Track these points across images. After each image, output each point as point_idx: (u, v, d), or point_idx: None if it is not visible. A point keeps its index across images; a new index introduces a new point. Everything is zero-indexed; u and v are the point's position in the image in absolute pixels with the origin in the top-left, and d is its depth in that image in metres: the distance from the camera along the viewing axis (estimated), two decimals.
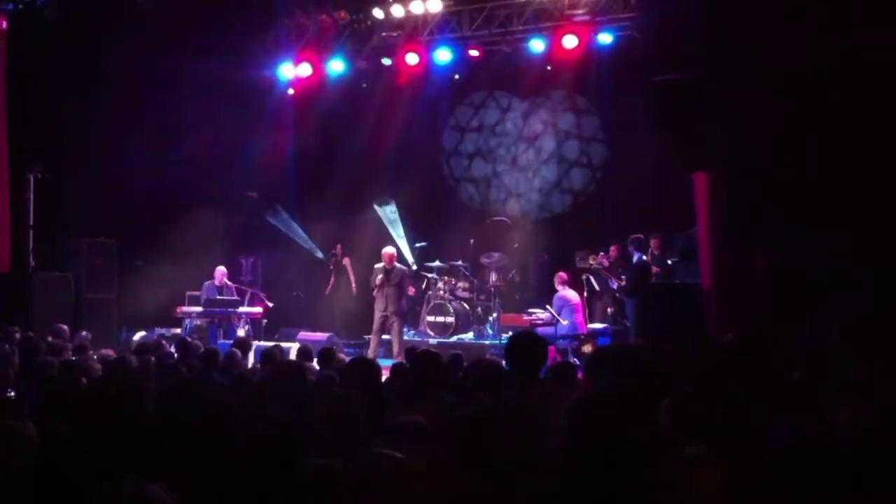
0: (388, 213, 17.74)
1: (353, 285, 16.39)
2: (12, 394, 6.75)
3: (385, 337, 14.67)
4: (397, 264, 14.64)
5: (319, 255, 17.70)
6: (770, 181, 11.01)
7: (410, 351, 9.12)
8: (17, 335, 11.14)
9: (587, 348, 13.64)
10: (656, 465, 2.93)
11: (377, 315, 14.42)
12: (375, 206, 17.67)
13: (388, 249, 14.69)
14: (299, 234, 17.90)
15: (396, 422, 3.29)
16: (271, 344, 12.42)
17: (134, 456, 3.89)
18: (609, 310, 15.20)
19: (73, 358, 9.66)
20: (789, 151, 10.83)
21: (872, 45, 10.16)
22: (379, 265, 14.44)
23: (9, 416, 4.85)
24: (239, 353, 9.64)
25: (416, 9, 15.71)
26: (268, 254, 17.62)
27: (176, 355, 9.67)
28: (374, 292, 14.47)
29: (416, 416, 3.42)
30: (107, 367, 8.56)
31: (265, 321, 16.01)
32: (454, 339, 15.34)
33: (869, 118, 10.31)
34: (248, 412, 4.53)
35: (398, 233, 17.80)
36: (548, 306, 14.23)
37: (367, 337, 16.17)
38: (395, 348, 14.01)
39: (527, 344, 5.26)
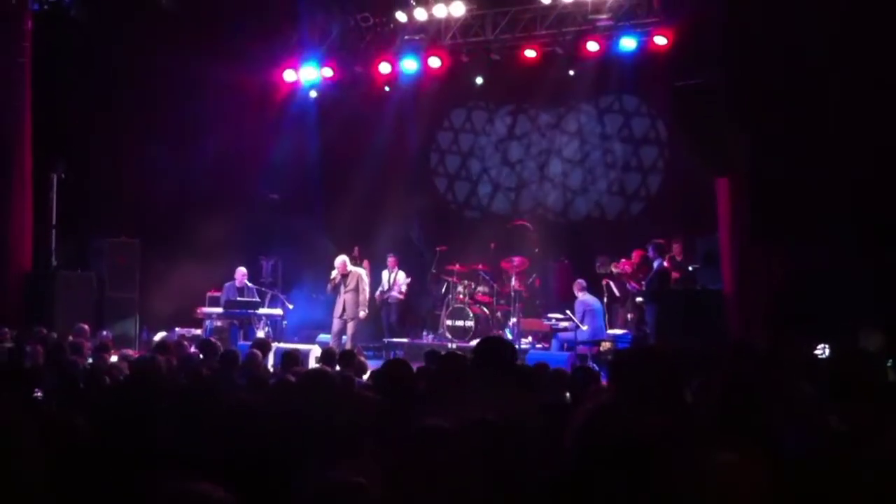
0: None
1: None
2: (39, 394, 6.78)
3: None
4: (352, 268, 14.65)
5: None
6: (793, 186, 10.97)
7: (431, 354, 9.16)
8: (43, 335, 11.21)
9: (608, 355, 13.60)
10: (676, 468, 2.92)
11: (335, 319, 14.54)
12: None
13: (340, 257, 14.69)
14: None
15: (423, 426, 3.30)
16: (291, 346, 12.46)
17: (154, 454, 3.91)
18: (629, 315, 15.15)
19: (92, 358, 9.72)
20: (812, 156, 10.79)
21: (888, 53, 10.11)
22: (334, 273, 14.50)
23: (36, 414, 4.88)
24: (259, 354, 9.65)
25: (439, 12, 15.72)
26: (288, 256, 17.66)
27: (200, 356, 9.68)
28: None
29: (441, 420, 3.42)
30: (130, 367, 8.61)
31: (285, 323, 16.05)
32: (473, 343, 15.27)
33: (892, 122, 10.25)
34: (264, 414, 4.53)
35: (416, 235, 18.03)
36: (569, 311, 14.21)
37: (386, 340, 16.27)
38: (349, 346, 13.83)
39: (494, 347, 5.39)
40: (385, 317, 16.79)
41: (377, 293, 16.56)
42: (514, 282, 15.71)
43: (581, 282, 14.55)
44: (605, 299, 14.95)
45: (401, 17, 16.10)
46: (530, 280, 16.18)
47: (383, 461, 3.31)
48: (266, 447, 3.90)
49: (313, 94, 17.52)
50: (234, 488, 3.44)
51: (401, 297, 16.74)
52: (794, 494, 2.96)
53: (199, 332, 15.17)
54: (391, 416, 4.54)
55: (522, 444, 3.60)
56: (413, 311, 17.51)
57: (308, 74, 17.09)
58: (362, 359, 9.88)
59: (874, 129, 10.69)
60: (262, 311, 15.49)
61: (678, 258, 14.24)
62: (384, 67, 16.64)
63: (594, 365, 12.44)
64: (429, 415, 3.70)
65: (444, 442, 3.26)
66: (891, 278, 10.34)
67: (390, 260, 16.89)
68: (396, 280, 16.75)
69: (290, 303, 16.17)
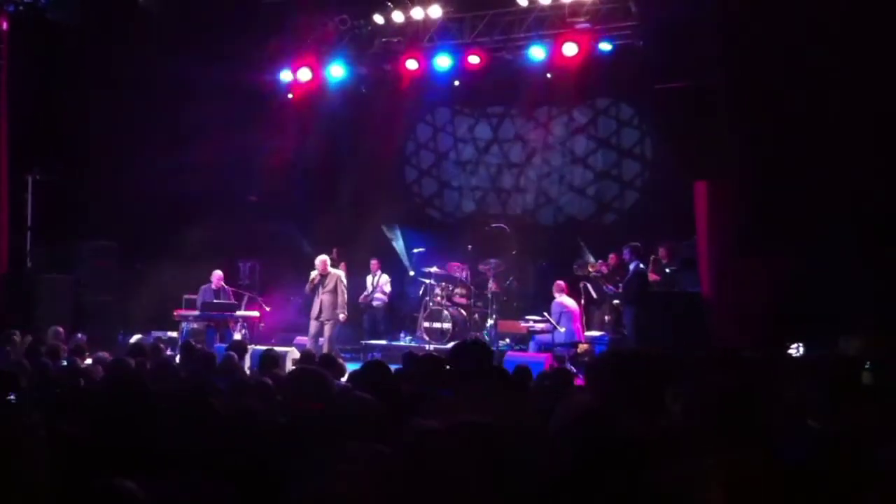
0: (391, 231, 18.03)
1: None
2: (12, 397, 6.70)
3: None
4: (332, 270, 14.61)
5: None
6: (780, 188, 11.01)
7: (409, 356, 9.13)
8: (17, 338, 11.10)
9: (585, 357, 13.63)
10: (663, 469, 2.92)
11: (312, 321, 14.40)
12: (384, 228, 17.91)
13: (322, 257, 14.64)
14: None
15: (419, 427, 3.30)
16: (268, 348, 12.40)
17: (141, 457, 3.88)
18: (606, 317, 15.20)
19: (67, 361, 9.65)
20: (797, 159, 10.85)
21: (885, 54, 10.17)
22: (314, 273, 14.42)
23: (15, 418, 4.83)
24: (236, 356, 9.60)
25: (417, 15, 15.71)
26: (266, 258, 17.60)
27: (178, 359, 9.65)
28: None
29: (430, 421, 3.42)
30: (106, 370, 8.56)
31: (262, 325, 15.98)
32: (451, 345, 15.19)
33: (881, 125, 10.31)
34: (249, 416, 4.51)
35: (398, 244, 17.94)
36: (546, 313, 14.22)
37: (363, 342, 16.23)
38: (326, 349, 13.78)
39: (469, 349, 5.49)
40: (369, 320, 16.75)
41: (361, 296, 16.54)
42: (491, 284, 15.72)
43: (560, 283, 14.56)
44: (583, 301, 14.97)
45: (378, 19, 16.08)
46: (508, 282, 16.19)
47: (380, 463, 3.30)
48: (258, 450, 3.89)
49: (291, 95, 17.47)
50: (228, 489, 3.44)
51: (384, 298, 16.72)
52: (788, 496, 2.97)
53: (175, 334, 15.11)
54: (383, 418, 4.53)
55: (517, 445, 3.60)
56: (392, 314, 17.49)
57: (286, 77, 17.04)
58: (340, 361, 9.86)
59: (867, 130, 10.77)
60: (238, 313, 15.44)
61: (664, 261, 14.28)
62: (362, 70, 16.62)
63: (572, 367, 12.48)
64: (417, 416, 3.70)
65: (441, 444, 3.26)
66: (879, 281, 10.40)
67: (373, 263, 16.87)
68: (379, 283, 16.73)
69: (267, 305, 16.12)
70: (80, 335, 13.53)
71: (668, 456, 2.87)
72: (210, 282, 15.26)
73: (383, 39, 16.36)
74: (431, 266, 16.31)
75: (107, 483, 2.69)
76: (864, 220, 10.61)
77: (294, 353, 12.58)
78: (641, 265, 13.60)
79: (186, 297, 15.73)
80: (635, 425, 3.05)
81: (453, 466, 3.04)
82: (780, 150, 11.05)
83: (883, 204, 10.46)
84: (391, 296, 17.02)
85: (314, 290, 14.36)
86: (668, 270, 13.98)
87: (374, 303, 16.71)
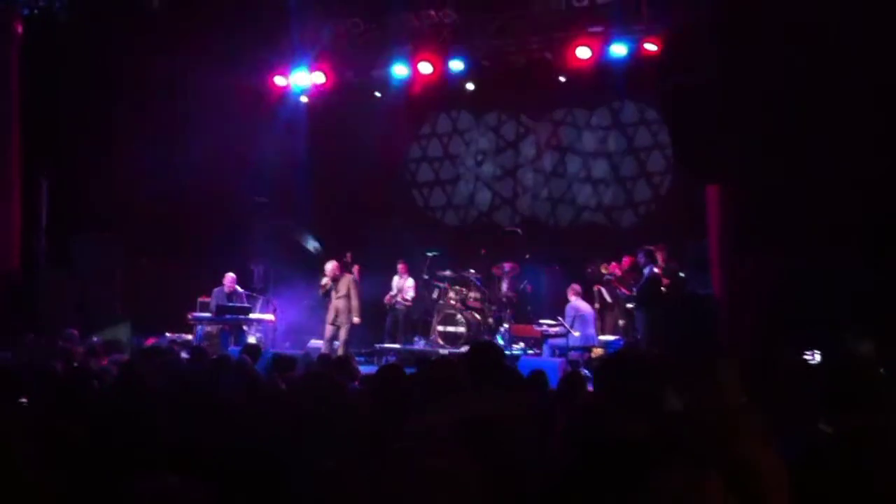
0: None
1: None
2: (24, 401, 6.71)
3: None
4: (344, 274, 14.62)
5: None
6: (783, 192, 11.00)
7: (424, 360, 9.14)
8: (31, 340, 11.16)
9: (598, 361, 13.60)
10: (663, 469, 2.92)
11: (328, 325, 14.54)
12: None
13: (331, 263, 14.64)
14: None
15: (416, 425, 3.30)
16: (282, 352, 12.43)
17: (148, 459, 3.89)
18: (620, 322, 15.15)
19: (81, 363, 9.68)
20: (803, 162, 10.83)
21: (886, 54, 10.16)
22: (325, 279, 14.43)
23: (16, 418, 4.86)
24: (249, 359, 9.62)
25: (430, 18, 15.72)
26: (279, 260, 17.62)
27: (190, 361, 9.66)
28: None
29: (436, 420, 3.43)
30: (119, 371, 8.58)
31: (276, 328, 16.02)
32: (465, 349, 15.21)
33: (881, 125, 10.29)
34: (260, 417, 4.53)
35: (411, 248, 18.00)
36: (560, 317, 14.20)
37: (377, 346, 16.23)
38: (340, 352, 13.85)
39: (483, 350, 5.53)
40: (391, 321, 16.76)
41: (387, 297, 16.56)
42: (505, 287, 15.69)
43: (576, 286, 14.53)
44: (597, 305, 14.94)
45: (391, 22, 16.10)
46: (521, 286, 16.16)
47: (378, 462, 3.30)
48: (260, 451, 3.90)
49: (304, 99, 17.51)
50: (228, 489, 3.45)
51: (407, 303, 16.70)
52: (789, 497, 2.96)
53: (190, 337, 15.14)
54: (387, 420, 4.54)
55: (517, 445, 3.60)
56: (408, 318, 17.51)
57: (299, 79, 17.07)
58: (354, 364, 9.87)
59: (868, 131, 10.74)
60: (252, 316, 15.47)
61: (662, 264, 14.24)
62: (375, 73, 16.62)
63: (586, 371, 12.43)
64: (420, 416, 3.70)
65: (440, 443, 3.25)
66: (882, 285, 10.37)
67: (401, 266, 16.82)
68: (404, 286, 16.70)
69: (282, 308, 16.15)
70: (95, 338, 13.58)
71: (668, 456, 2.86)
72: (222, 285, 15.31)
73: (396, 43, 16.37)
74: (445, 270, 16.32)
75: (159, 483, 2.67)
76: (863, 219, 10.58)
77: (309, 356, 12.61)
78: (655, 269, 13.57)
79: (200, 300, 15.79)
80: (635, 425, 3.04)
81: (453, 466, 3.04)
82: (780, 150, 11.04)
83: (883, 204, 10.44)
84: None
85: (327, 294, 14.43)
86: (681, 274, 13.93)
87: (397, 305, 16.73)
